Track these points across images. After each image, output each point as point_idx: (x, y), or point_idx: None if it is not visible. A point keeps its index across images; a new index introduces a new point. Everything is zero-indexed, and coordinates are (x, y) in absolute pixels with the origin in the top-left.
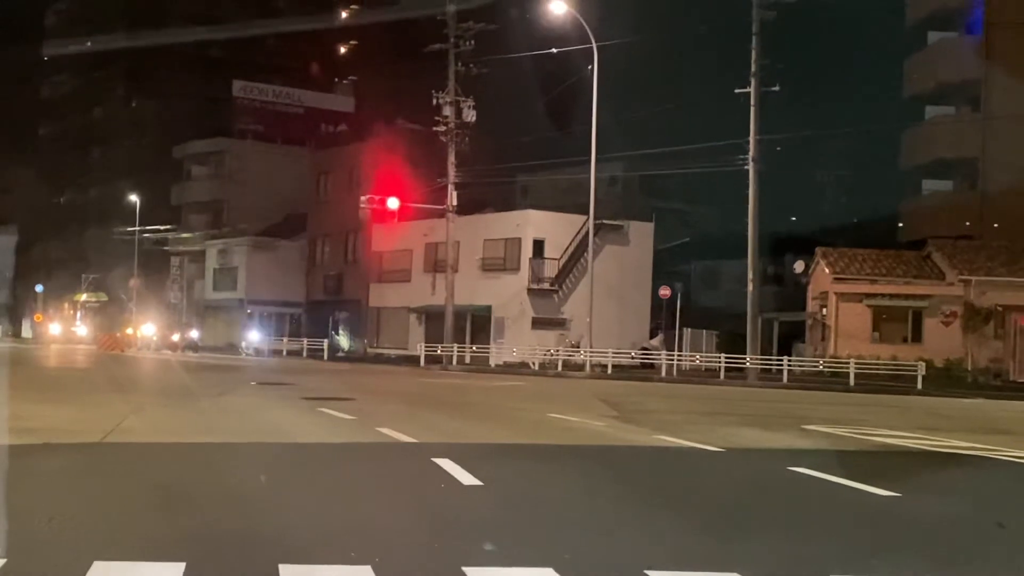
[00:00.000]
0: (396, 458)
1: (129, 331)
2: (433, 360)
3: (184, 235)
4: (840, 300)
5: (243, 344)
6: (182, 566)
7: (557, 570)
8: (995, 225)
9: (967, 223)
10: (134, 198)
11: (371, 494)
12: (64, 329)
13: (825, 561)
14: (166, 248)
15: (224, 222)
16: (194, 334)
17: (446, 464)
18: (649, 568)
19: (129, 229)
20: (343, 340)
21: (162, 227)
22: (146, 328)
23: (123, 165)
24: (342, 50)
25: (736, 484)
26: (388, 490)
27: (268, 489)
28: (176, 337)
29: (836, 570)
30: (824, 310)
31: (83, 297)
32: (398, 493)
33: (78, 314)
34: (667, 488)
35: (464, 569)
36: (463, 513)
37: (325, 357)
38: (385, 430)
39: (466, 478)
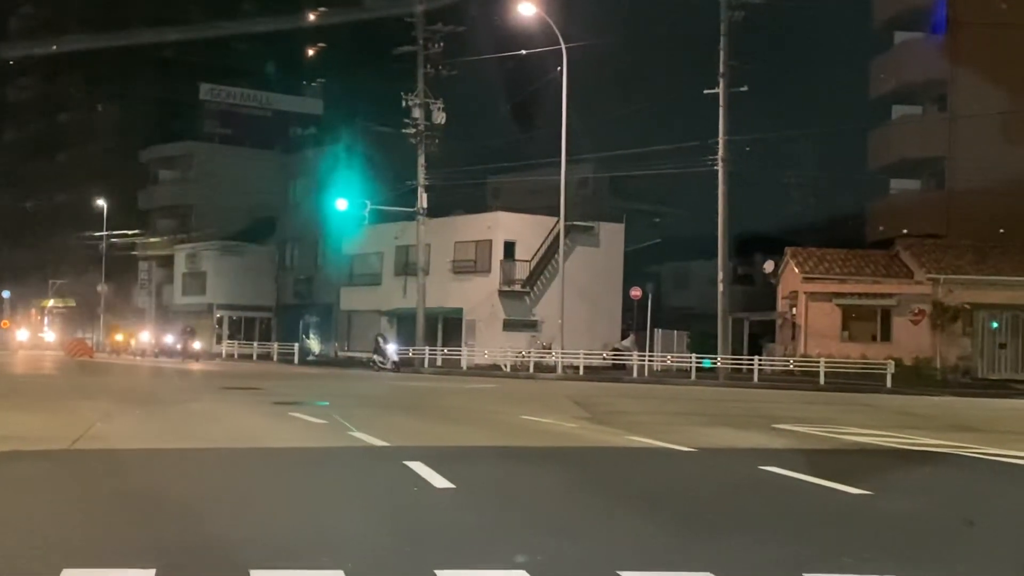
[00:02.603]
0: (368, 462)
1: (119, 337)
2: (404, 363)
3: (152, 240)
4: (810, 299)
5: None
6: (152, 573)
7: (530, 572)
8: (962, 224)
9: (934, 222)
10: (101, 203)
11: (343, 498)
12: (32, 335)
13: (798, 560)
14: (134, 253)
15: (192, 226)
16: (197, 344)
17: (418, 467)
18: (621, 569)
19: (96, 234)
20: (314, 344)
21: (129, 232)
22: (143, 335)
23: (89, 170)
24: (310, 53)
25: (708, 484)
26: (360, 494)
27: (239, 495)
28: (198, 345)
29: (809, 569)
30: (794, 310)
31: (50, 303)
32: (370, 497)
33: (45, 320)
34: (639, 489)
35: (437, 572)
36: (436, 516)
37: (296, 361)
38: (357, 434)
39: (438, 481)
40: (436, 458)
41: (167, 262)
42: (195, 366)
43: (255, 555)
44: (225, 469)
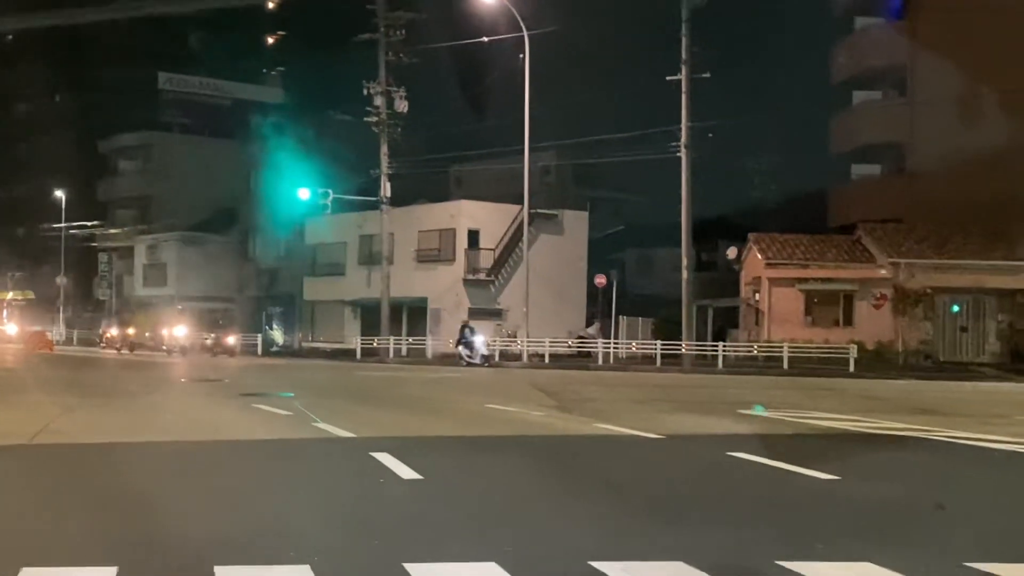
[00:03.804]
0: (334, 454)
1: (131, 331)
2: (369, 353)
3: (112, 231)
4: (773, 285)
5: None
6: (114, 571)
7: (500, 564)
8: (923, 209)
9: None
10: (60, 194)
11: (309, 491)
12: None
13: (770, 547)
14: (93, 244)
15: (153, 217)
16: (231, 339)
17: (385, 458)
18: (593, 559)
19: (55, 226)
20: (277, 335)
21: (89, 223)
22: (178, 330)
23: (47, 161)
24: (270, 41)
25: (677, 471)
26: (326, 487)
27: (202, 489)
28: (232, 339)
29: (782, 556)
30: (757, 295)
31: (9, 295)
32: (336, 489)
33: (3, 313)
34: (609, 477)
35: (405, 565)
36: (403, 508)
37: (259, 352)
38: (322, 425)
39: (405, 472)
40: (403, 449)
41: (127, 253)
42: (230, 362)
43: (219, 551)
44: (188, 463)
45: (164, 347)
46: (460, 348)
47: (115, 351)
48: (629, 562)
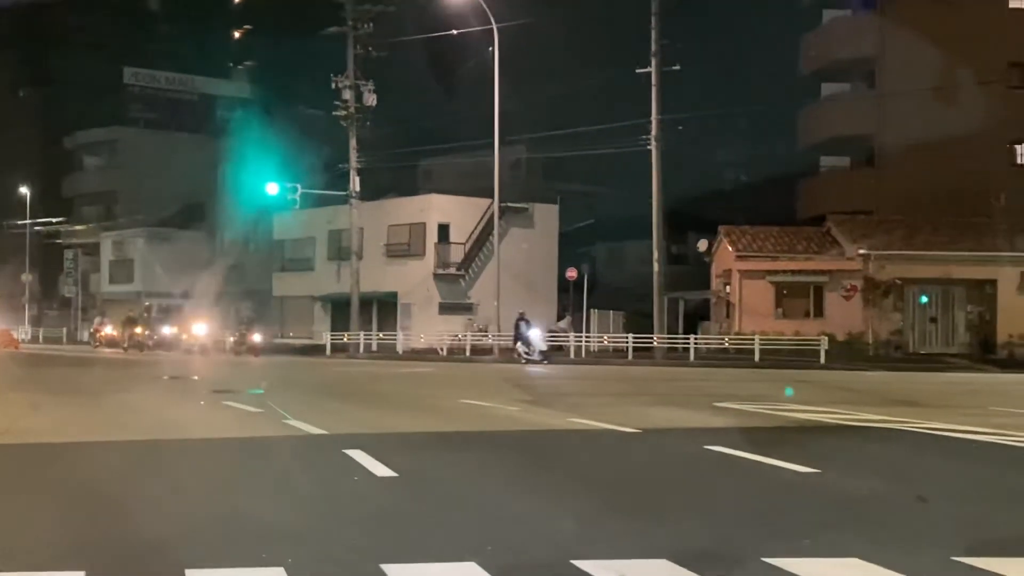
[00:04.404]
0: (306, 451)
1: (138, 329)
2: (339, 348)
3: (77, 227)
4: (743, 277)
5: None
6: (81, 575)
7: (480, 564)
8: (892, 200)
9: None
10: (24, 190)
11: (281, 490)
12: None
13: (755, 544)
14: (59, 241)
15: (119, 213)
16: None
17: (359, 456)
18: (576, 558)
19: (20, 222)
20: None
21: (54, 220)
22: (198, 328)
23: (12, 157)
24: (237, 35)
25: (657, 466)
26: (299, 485)
27: (172, 489)
28: (259, 337)
29: (767, 552)
30: (728, 288)
31: None
32: (310, 488)
33: None
34: (588, 472)
35: (383, 567)
36: (379, 507)
37: (226, 348)
38: (294, 422)
39: (380, 470)
40: (376, 446)
41: (93, 250)
42: (255, 361)
43: (190, 553)
44: (158, 462)
45: (182, 346)
46: (517, 345)
47: (121, 350)
48: (613, 560)
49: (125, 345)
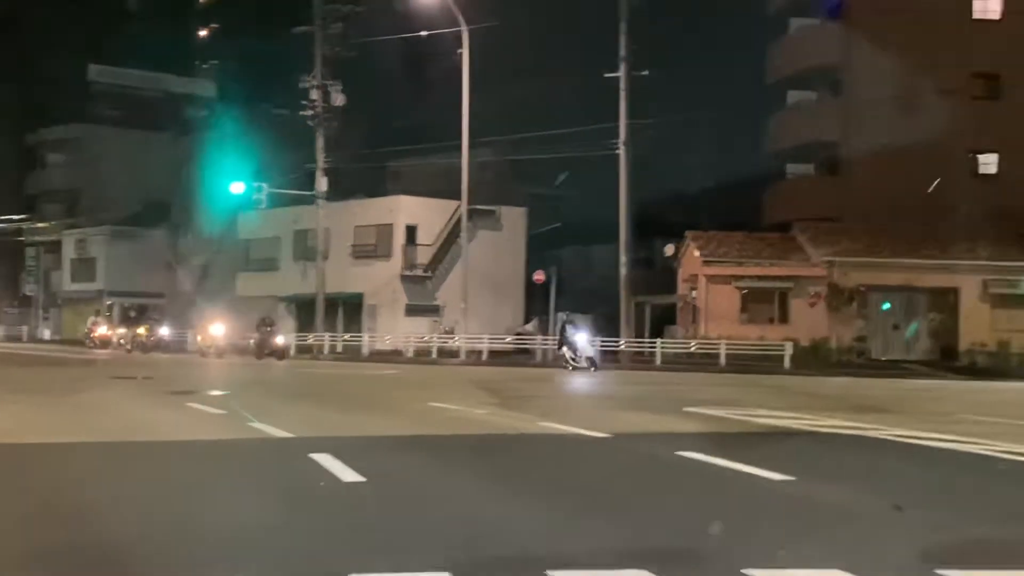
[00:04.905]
0: (271, 455)
1: (141, 330)
2: (304, 350)
3: (40, 225)
4: (710, 282)
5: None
6: None
7: (454, 574)
8: (857, 207)
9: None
10: None
11: (245, 496)
12: None
13: (733, 555)
14: (20, 239)
15: (82, 211)
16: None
17: (325, 460)
18: (552, 568)
19: None
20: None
21: (16, 217)
22: (215, 328)
23: None
24: (203, 34)
25: (629, 473)
26: (264, 491)
27: (133, 494)
28: (282, 339)
29: (746, 563)
30: (694, 292)
31: None
32: (274, 494)
33: None
34: (558, 479)
35: None
36: (346, 513)
37: (189, 349)
38: (258, 425)
39: (347, 474)
40: (343, 449)
41: (55, 248)
42: (280, 364)
43: (151, 563)
44: (119, 465)
45: (198, 348)
46: (564, 351)
47: (125, 351)
48: (590, 571)
49: (128, 346)
